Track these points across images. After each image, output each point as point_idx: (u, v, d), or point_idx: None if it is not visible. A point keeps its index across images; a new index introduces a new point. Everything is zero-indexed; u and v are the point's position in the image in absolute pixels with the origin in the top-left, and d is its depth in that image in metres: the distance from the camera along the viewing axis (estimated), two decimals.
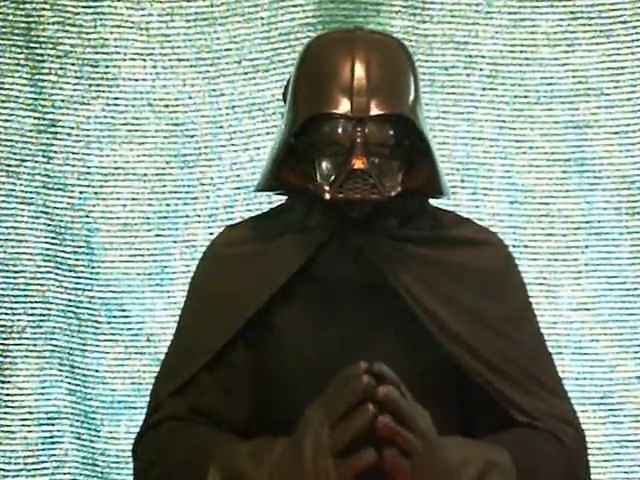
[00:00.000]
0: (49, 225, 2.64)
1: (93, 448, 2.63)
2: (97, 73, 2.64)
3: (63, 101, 2.64)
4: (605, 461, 2.58)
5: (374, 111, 1.49)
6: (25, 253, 2.65)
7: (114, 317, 2.63)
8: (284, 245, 1.60)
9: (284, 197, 1.69)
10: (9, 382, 2.66)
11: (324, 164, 1.51)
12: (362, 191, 1.48)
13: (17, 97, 2.64)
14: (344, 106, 1.49)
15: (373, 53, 1.52)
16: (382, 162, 1.50)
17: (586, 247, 2.60)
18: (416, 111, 1.53)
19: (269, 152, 1.60)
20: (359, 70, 1.50)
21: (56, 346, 2.65)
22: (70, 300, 2.64)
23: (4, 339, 2.65)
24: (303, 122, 1.52)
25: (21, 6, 2.63)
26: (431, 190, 1.57)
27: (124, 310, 2.63)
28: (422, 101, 1.58)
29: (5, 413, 2.65)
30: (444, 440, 1.36)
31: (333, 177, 1.49)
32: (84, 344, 2.63)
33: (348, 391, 1.30)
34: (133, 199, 2.64)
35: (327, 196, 1.49)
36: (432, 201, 1.69)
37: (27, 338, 2.65)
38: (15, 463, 2.65)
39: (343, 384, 1.31)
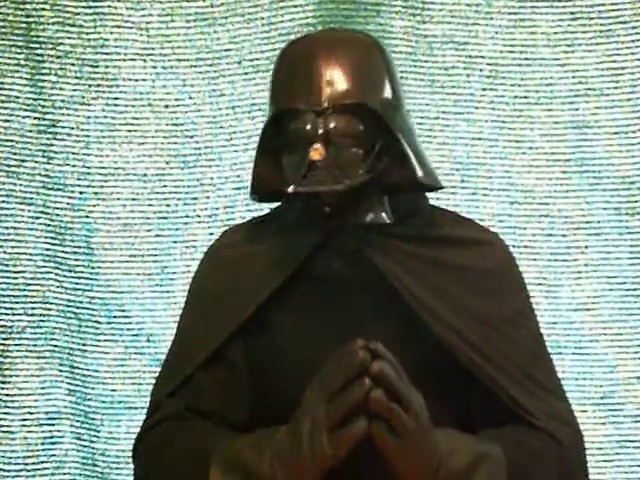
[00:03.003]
0: (49, 225, 2.64)
1: (93, 448, 2.63)
2: (97, 73, 2.64)
3: (63, 101, 2.64)
4: (605, 461, 2.58)
5: (334, 102, 1.50)
6: (25, 253, 2.65)
7: (114, 317, 2.63)
8: (281, 246, 1.61)
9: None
10: (9, 382, 2.66)
11: (290, 159, 1.53)
12: (324, 181, 1.49)
13: (17, 97, 2.65)
14: (304, 100, 1.51)
15: (335, 48, 1.53)
16: (345, 152, 1.50)
17: (586, 247, 2.60)
18: (387, 105, 1.53)
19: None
20: (319, 64, 1.51)
21: (56, 346, 2.65)
22: (70, 300, 2.64)
23: (4, 339, 2.65)
24: (271, 121, 1.54)
25: (21, 6, 2.63)
26: (412, 185, 1.57)
27: (124, 310, 2.63)
28: (402, 99, 1.58)
29: (5, 413, 2.65)
30: (435, 429, 1.36)
31: (296, 171, 1.51)
32: (84, 344, 2.64)
33: (344, 366, 1.31)
34: (133, 199, 2.64)
35: (290, 189, 1.50)
36: (432, 200, 1.69)
37: (27, 338, 2.65)
38: (15, 463, 2.65)
39: (339, 359, 1.32)
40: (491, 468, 1.41)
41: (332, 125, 1.50)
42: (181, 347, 1.65)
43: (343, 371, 1.31)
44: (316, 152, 1.48)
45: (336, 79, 1.51)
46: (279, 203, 1.71)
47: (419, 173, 1.55)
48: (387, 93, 1.55)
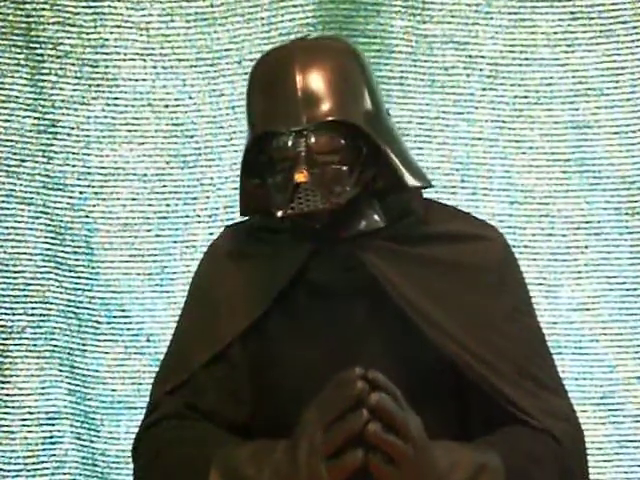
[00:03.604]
0: (49, 225, 2.64)
1: (93, 448, 2.63)
2: (97, 73, 2.64)
3: (63, 101, 2.64)
4: (605, 461, 2.58)
5: (312, 121, 1.48)
6: (25, 253, 2.65)
7: (114, 317, 2.63)
8: (281, 249, 1.61)
9: None
10: (9, 382, 2.65)
11: (275, 181, 1.52)
12: (310, 203, 1.48)
13: (17, 97, 2.65)
14: (283, 122, 1.50)
15: (309, 62, 1.51)
16: (329, 170, 1.49)
17: (586, 247, 2.60)
18: (367, 115, 1.52)
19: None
20: (294, 83, 1.50)
21: (56, 346, 2.65)
22: (70, 300, 2.64)
23: (4, 339, 2.65)
24: (253, 143, 1.54)
25: (21, 6, 2.63)
26: (400, 185, 1.56)
27: (124, 310, 2.63)
28: (380, 102, 1.56)
29: (5, 413, 2.65)
30: (433, 444, 1.36)
31: (283, 194, 1.50)
32: (84, 344, 2.63)
33: (342, 395, 1.31)
34: (133, 199, 2.64)
35: (279, 213, 1.50)
36: (429, 198, 1.68)
37: (27, 338, 2.65)
38: (15, 463, 2.65)
39: (338, 388, 1.32)
40: (490, 478, 1.40)
41: (314, 144, 1.48)
42: (181, 346, 1.65)
43: (341, 401, 1.30)
44: (300, 175, 1.47)
45: (313, 96, 1.49)
46: None
47: (407, 178, 1.54)
48: (366, 102, 1.53)
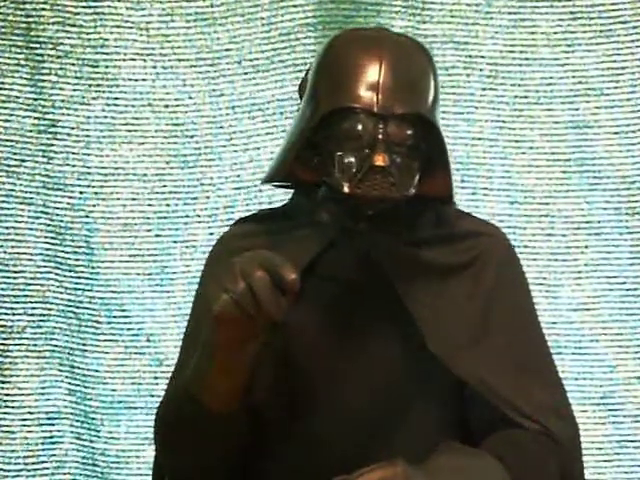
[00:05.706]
0: (49, 225, 2.64)
1: (93, 448, 2.63)
2: (97, 73, 2.64)
3: (63, 101, 2.64)
4: (605, 461, 2.58)
5: (398, 109, 1.48)
6: (25, 253, 2.65)
7: (114, 317, 2.63)
8: (293, 241, 1.59)
9: (286, 196, 1.69)
10: (9, 382, 2.66)
11: (344, 158, 1.49)
12: (381, 188, 1.47)
13: (17, 97, 2.65)
14: (369, 102, 1.48)
15: (400, 53, 1.52)
16: (402, 161, 1.49)
17: (586, 247, 2.60)
18: (435, 114, 1.53)
19: (282, 145, 1.58)
20: (386, 68, 1.49)
21: (56, 346, 2.65)
22: (70, 300, 2.64)
23: (4, 339, 2.65)
24: (324, 115, 1.51)
25: (21, 6, 2.63)
26: (443, 196, 1.56)
27: (124, 310, 2.63)
28: (440, 105, 1.58)
29: (5, 413, 2.65)
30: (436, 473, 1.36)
31: (353, 172, 1.48)
32: (84, 344, 2.64)
33: None
34: (133, 199, 2.64)
35: (346, 189, 1.48)
36: None
37: (27, 338, 2.65)
38: (15, 463, 2.65)
39: None
40: None
41: (392, 132, 1.48)
42: (194, 340, 1.64)
43: None
44: (381, 158, 1.46)
45: (400, 86, 1.49)
46: (279, 202, 1.70)
47: (454, 190, 1.55)
48: (433, 98, 1.54)
